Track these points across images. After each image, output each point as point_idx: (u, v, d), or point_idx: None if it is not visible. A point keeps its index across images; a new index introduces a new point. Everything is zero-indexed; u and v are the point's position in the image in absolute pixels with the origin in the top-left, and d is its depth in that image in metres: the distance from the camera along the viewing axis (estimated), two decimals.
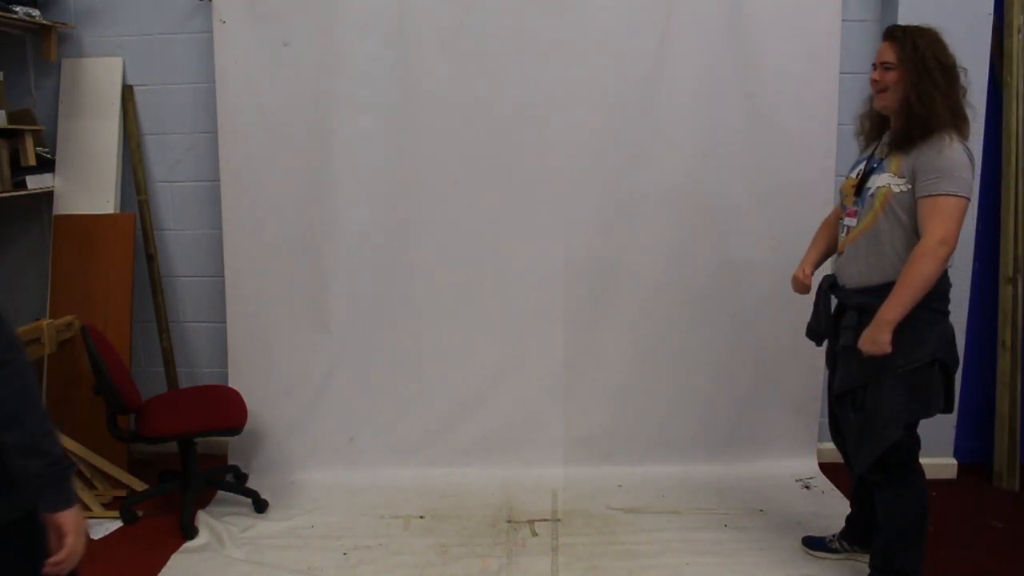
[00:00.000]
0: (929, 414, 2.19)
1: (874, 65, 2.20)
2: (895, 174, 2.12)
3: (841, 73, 3.06)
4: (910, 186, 2.09)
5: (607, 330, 3.22)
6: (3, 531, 1.21)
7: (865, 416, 2.18)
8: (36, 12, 3.03)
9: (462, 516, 2.92)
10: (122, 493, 3.05)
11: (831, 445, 3.36)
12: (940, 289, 2.12)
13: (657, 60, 3.04)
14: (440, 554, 2.66)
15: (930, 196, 2.04)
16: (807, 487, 3.14)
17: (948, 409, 2.23)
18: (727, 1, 3.01)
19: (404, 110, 3.07)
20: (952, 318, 2.24)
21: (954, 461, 3.25)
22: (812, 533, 2.70)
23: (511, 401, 3.24)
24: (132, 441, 2.90)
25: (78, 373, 3.11)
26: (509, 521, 2.88)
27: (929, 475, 2.32)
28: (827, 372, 2.48)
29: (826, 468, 3.23)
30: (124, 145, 3.23)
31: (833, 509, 2.91)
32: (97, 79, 3.20)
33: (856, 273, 2.23)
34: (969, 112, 2.13)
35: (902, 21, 2.91)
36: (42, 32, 3.09)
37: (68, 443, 3.00)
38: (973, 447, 3.26)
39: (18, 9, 2.96)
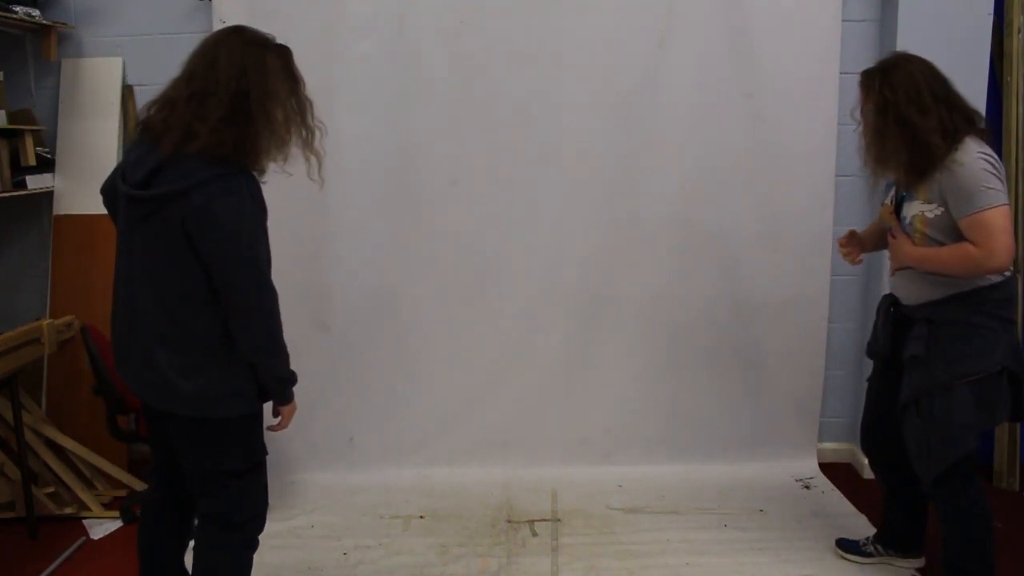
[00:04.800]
0: (995, 422, 2.19)
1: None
2: (924, 201, 2.12)
3: (841, 73, 3.05)
4: (943, 208, 2.08)
5: (607, 330, 3.22)
6: (244, 417, 1.94)
7: (933, 424, 2.14)
8: (36, 12, 3.03)
9: (462, 516, 2.92)
10: (122, 493, 3.05)
11: (831, 445, 3.39)
12: (1006, 297, 2.13)
13: (657, 60, 3.04)
14: (440, 554, 2.66)
15: (967, 216, 2.02)
16: (807, 487, 3.13)
17: (1017, 417, 2.20)
18: (727, 1, 3.01)
19: (404, 110, 3.07)
20: None
21: None
22: (811, 533, 2.70)
23: (511, 401, 3.23)
24: (132, 441, 2.89)
25: (78, 373, 3.11)
26: (509, 521, 2.88)
27: None
28: (866, 386, 2.50)
29: (826, 468, 3.24)
30: (124, 145, 3.22)
31: (833, 509, 2.92)
32: (97, 79, 3.19)
33: (915, 293, 2.21)
34: None
35: (902, 21, 2.92)
36: (42, 32, 3.09)
37: (68, 443, 3.01)
38: None
39: (18, 9, 2.96)
